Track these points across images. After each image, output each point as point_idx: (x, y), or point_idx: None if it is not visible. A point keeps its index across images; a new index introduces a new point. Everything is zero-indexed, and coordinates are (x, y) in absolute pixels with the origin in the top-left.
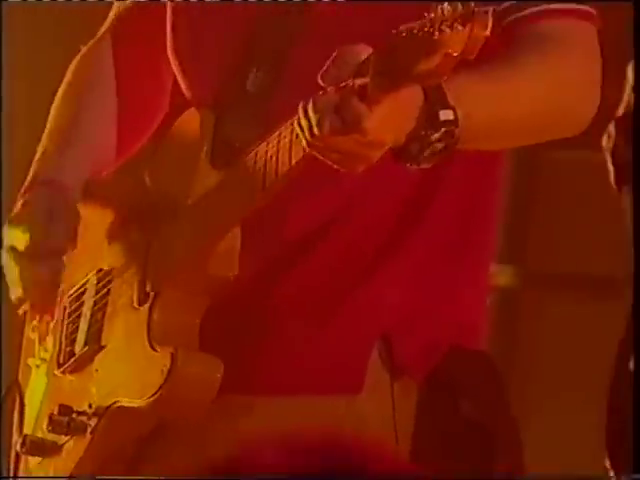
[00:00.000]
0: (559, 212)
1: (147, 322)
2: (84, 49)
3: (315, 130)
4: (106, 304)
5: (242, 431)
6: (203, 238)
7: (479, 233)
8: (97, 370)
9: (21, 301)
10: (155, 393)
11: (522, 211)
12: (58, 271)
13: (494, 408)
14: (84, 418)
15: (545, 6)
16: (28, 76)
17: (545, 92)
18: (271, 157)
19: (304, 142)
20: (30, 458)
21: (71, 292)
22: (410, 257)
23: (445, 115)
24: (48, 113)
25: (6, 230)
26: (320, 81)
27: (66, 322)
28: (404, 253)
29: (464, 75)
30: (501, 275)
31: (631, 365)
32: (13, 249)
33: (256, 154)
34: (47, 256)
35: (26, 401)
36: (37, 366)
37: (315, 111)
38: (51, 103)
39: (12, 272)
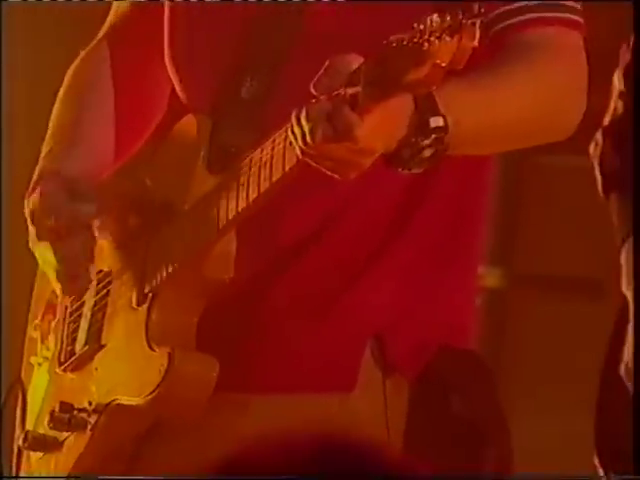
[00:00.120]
0: (546, 216)
1: (145, 322)
2: (83, 53)
3: (308, 138)
4: (106, 304)
5: (238, 428)
6: (200, 241)
7: (468, 236)
8: (97, 369)
9: (55, 284)
10: (153, 391)
11: (510, 214)
12: (89, 244)
13: (484, 405)
14: (84, 415)
15: (532, 15)
16: (28, 76)
17: (531, 99)
18: (265, 163)
19: (297, 149)
20: (32, 453)
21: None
22: (401, 260)
23: (435, 122)
24: (48, 113)
25: (29, 218)
26: (313, 90)
27: (67, 321)
28: (395, 256)
29: (454, 83)
30: (489, 276)
31: (622, 366)
32: (41, 232)
33: (251, 160)
34: (76, 231)
35: (28, 398)
36: (39, 364)
37: (308, 119)
38: (51, 103)
39: (44, 255)
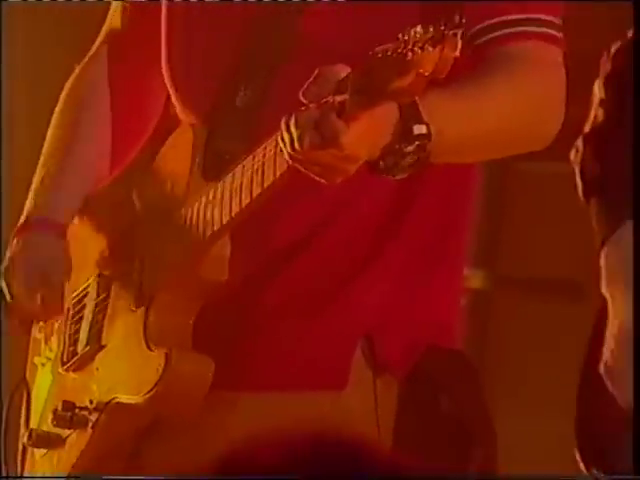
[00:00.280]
0: (528, 220)
1: (143, 323)
2: (79, 66)
3: (296, 145)
4: (106, 307)
5: (233, 426)
6: (195, 245)
7: (454, 240)
8: (98, 368)
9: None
10: (151, 390)
11: (493, 219)
12: (57, 309)
13: (470, 402)
14: (86, 413)
15: (513, 29)
16: (28, 76)
17: (511, 109)
18: (257, 169)
19: (287, 155)
20: (36, 450)
21: (74, 295)
22: (390, 263)
23: (419, 129)
24: (48, 113)
25: (2, 279)
26: (302, 97)
27: (69, 323)
28: (385, 259)
29: (437, 93)
30: (474, 279)
31: (601, 365)
32: (9, 291)
33: (243, 166)
34: (38, 316)
35: (32, 397)
36: (43, 364)
37: (297, 126)
38: (51, 103)
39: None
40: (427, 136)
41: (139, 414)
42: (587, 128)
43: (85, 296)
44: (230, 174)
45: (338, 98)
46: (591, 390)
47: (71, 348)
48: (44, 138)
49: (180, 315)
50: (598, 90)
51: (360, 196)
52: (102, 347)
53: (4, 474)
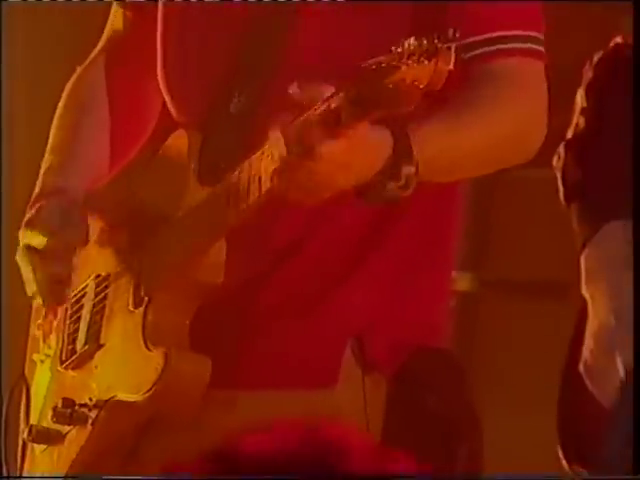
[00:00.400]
0: (513, 224)
1: (142, 324)
2: (79, 70)
3: (278, 155)
4: (104, 307)
5: (228, 422)
6: (192, 248)
7: (442, 243)
8: (97, 367)
9: (35, 296)
10: (150, 389)
11: (480, 223)
12: (69, 270)
13: (456, 400)
14: (85, 410)
15: (497, 46)
16: (28, 76)
17: (498, 130)
18: (254, 175)
19: (268, 173)
20: (36, 446)
21: (72, 294)
22: (380, 266)
23: (407, 170)
24: (48, 113)
25: (23, 231)
26: (293, 92)
27: (68, 322)
28: (374, 263)
29: (429, 124)
30: (462, 281)
31: (581, 365)
32: (29, 248)
33: (240, 172)
34: (60, 256)
35: (32, 393)
36: (42, 361)
37: (282, 137)
38: (51, 103)
39: (27, 270)
40: (414, 175)
41: (138, 412)
42: (569, 135)
43: (83, 296)
44: (226, 179)
45: (333, 105)
46: (572, 389)
47: (70, 347)
48: (44, 138)
49: (177, 315)
50: (580, 99)
51: (352, 201)
52: (101, 346)
53: (5, 473)
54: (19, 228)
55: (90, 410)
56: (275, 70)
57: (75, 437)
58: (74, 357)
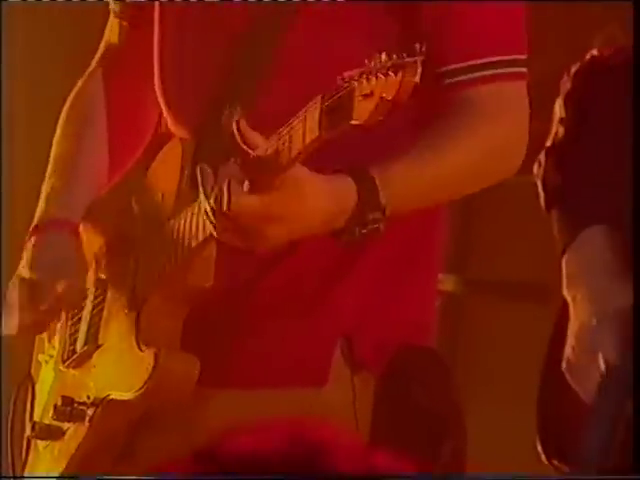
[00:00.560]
0: (497, 228)
1: (136, 325)
2: (79, 82)
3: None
4: (102, 309)
5: (220, 420)
6: (183, 253)
7: (428, 247)
8: (95, 366)
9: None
10: (141, 387)
11: (465, 227)
12: (52, 315)
13: (442, 397)
14: (84, 408)
15: (481, 73)
16: (28, 76)
17: (477, 159)
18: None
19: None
20: (39, 441)
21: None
22: (368, 268)
23: (374, 215)
24: (48, 114)
25: (21, 262)
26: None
27: (69, 324)
28: (363, 265)
29: (397, 164)
30: (447, 282)
31: (564, 363)
32: (22, 280)
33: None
34: (46, 296)
35: (37, 391)
36: (46, 361)
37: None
38: (51, 103)
39: (14, 299)
40: (381, 219)
41: (131, 409)
42: (548, 144)
43: (84, 298)
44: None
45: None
46: (553, 387)
47: (71, 347)
48: (44, 138)
49: (169, 318)
50: (558, 109)
51: None
52: (99, 346)
53: (9, 469)
54: (19, 228)
55: (88, 408)
56: (265, 83)
57: (74, 433)
58: (74, 357)
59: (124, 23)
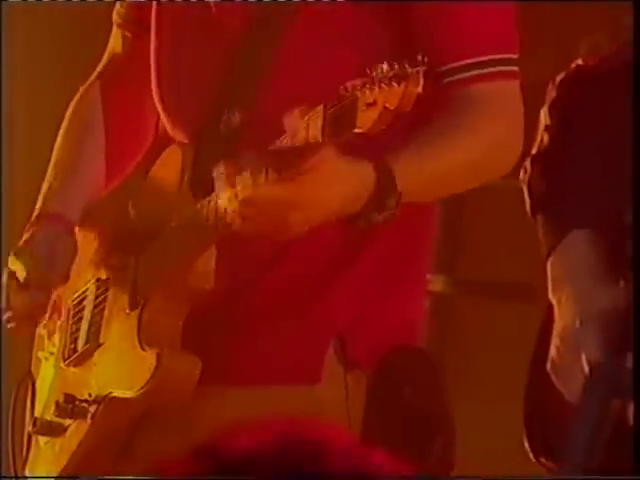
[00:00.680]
0: (484, 230)
1: (137, 326)
2: (81, 89)
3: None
4: (103, 309)
5: (220, 417)
6: (184, 256)
7: (418, 249)
8: (96, 364)
9: (8, 318)
10: (143, 386)
11: (453, 229)
12: (41, 304)
13: (431, 395)
14: (85, 405)
15: (474, 72)
16: (28, 76)
17: (476, 155)
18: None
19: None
20: (40, 437)
21: (74, 297)
22: (360, 271)
23: (391, 202)
24: (48, 113)
25: (11, 256)
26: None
27: (70, 322)
28: (355, 267)
29: (411, 154)
30: (436, 283)
31: (549, 363)
32: (11, 275)
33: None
34: (35, 289)
35: (37, 389)
36: (46, 358)
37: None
38: (50, 103)
39: (5, 294)
40: (397, 204)
41: (133, 407)
42: (534, 151)
43: (84, 298)
44: (215, 192)
45: (312, 132)
46: (539, 386)
47: (72, 345)
48: (44, 138)
49: (170, 318)
50: (544, 116)
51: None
52: (100, 345)
53: (5, 471)
54: (19, 228)
55: (89, 405)
56: (262, 88)
57: (75, 430)
58: (75, 355)
59: (127, 34)
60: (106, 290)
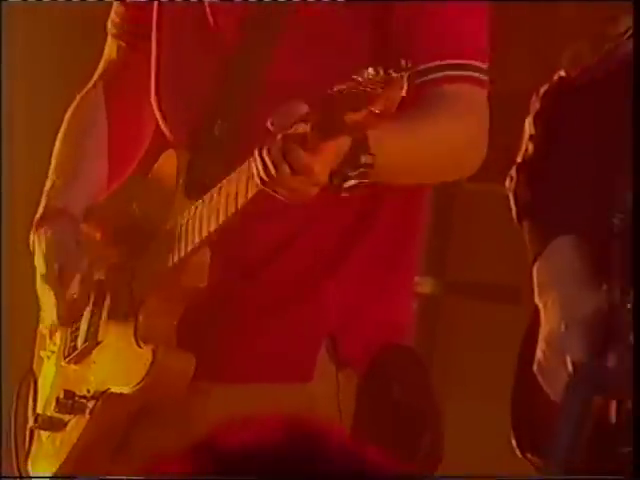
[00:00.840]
0: (472, 233)
1: (134, 324)
2: (79, 95)
3: (272, 172)
4: (102, 308)
5: (214, 413)
6: (178, 256)
7: (407, 251)
8: (94, 362)
9: (54, 323)
10: (139, 382)
11: (442, 232)
12: (87, 290)
13: (420, 392)
14: (84, 401)
15: (447, 73)
16: (28, 76)
17: (444, 143)
18: (232, 191)
19: (258, 180)
20: (42, 432)
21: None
22: (352, 271)
23: (365, 159)
24: (47, 114)
25: (39, 260)
26: (269, 126)
27: (71, 322)
28: (346, 268)
29: (385, 127)
30: (425, 284)
31: (535, 365)
32: (44, 277)
33: (220, 189)
34: (77, 278)
35: (39, 385)
36: (48, 357)
37: (270, 156)
38: (50, 104)
39: (47, 296)
40: (371, 165)
41: (130, 402)
42: (519, 159)
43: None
44: (209, 194)
45: (300, 130)
46: (525, 386)
47: (72, 344)
48: (44, 137)
49: (166, 317)
50: (528, 126)
51: (326, 212)
52: (98, 343)
53: (6, 470)
54: (19, 228)
55: (88, 401)
56: (253, 98)
57: (75, 425)
58: (75, 353)
59: (122, 44)
60: (104, 291)
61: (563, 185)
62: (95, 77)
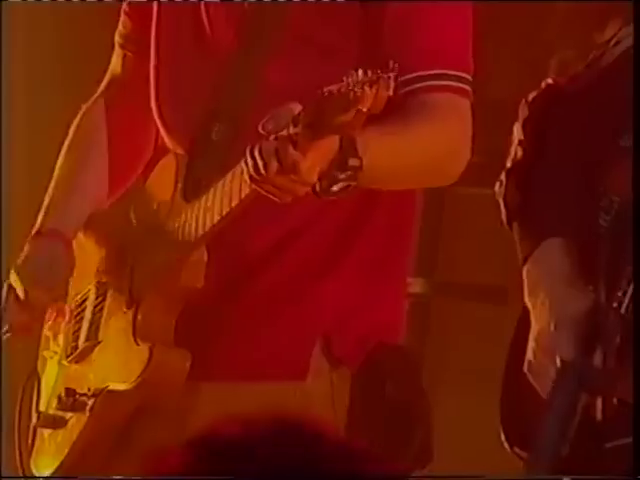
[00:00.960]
0: (462, 235)
1: (133, 323)
2: (84, 107)
3: (261, 170)
4: (102, 308)
5: (210, 410)
6: (176, 256)
7: (399, 252)
8: (95, 360)
9: (5, 331)
10: (137, 378)
11: (433, 234)
12: (37, 320)
13: (411, 390)
14: (84, 399)
15: (434, 82)
16: (28, 76)
17: (429, 150)
18: (226, 192)
19: (247, 178)
20: (44, 430)
21: (76, 298)
22: (345, 272)
23: (353, 162)
24: (47, 112)
25: (13, 271)
26: (261, 130)
27: (72, 322)
28: (340, 269)
29: (373, 132)
30: (416, 285)
31: (525, 363)
32: (11, 291)
33: (215, 190)
34: (33, 308)
35: (42, 385)
36: (51, 357)
37: (260, 155)
38: (50, 104)
39: (4, 307)
40: (359, 168)
41: (128, 399)
42: (508, 164)
43: (86, 300)
44: (204, 195)
45: (292, 131)
46: (514, 384)
47: (73, 343)
48: (43, 138)
49: (163, 315)
50: (517, 132)
51: (321, 215)
52: (99, 342)
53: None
54: (19, 228)
55: (88, 399)
56: (250, 102)
57: (76, 422)
58: (77, 352)
59: (128, 53)
60: (105, 292)
61: (551, 189)
62: (101, 88)
